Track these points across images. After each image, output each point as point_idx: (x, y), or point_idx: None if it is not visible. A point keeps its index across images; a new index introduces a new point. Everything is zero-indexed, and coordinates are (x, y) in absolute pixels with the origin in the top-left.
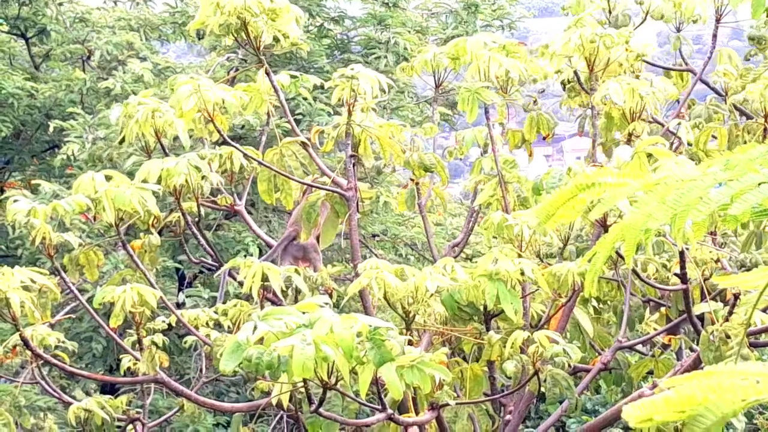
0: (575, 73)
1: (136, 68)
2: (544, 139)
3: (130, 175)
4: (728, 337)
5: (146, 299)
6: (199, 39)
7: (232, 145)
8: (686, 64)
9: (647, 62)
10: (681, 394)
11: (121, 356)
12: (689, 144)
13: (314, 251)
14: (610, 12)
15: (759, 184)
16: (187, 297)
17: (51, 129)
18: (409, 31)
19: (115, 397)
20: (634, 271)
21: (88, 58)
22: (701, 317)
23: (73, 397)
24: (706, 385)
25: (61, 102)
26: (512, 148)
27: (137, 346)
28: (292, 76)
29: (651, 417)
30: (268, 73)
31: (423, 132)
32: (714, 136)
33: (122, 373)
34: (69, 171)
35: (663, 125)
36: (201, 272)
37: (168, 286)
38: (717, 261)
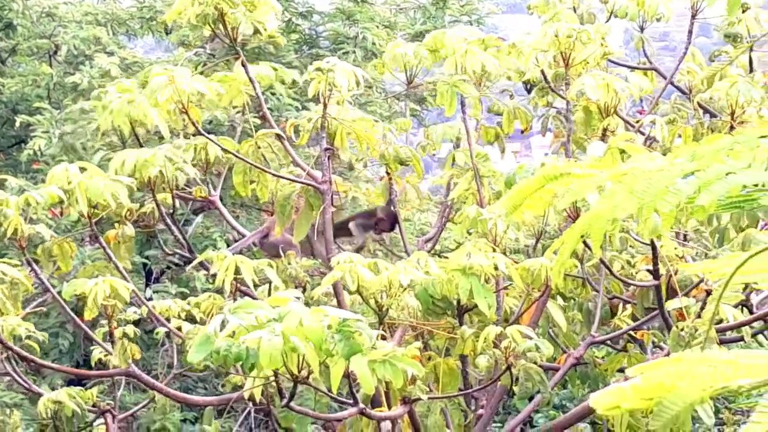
0: (542, 72)
1: (104, 63)
2: (522, 132)
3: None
4: (698, 332)
5: (119, 292)
6: (167, 34)
7: (208, 138)
8: (650, 62)
9: (612, 61)
10: (649, 382)
11: (92, 348)
12: (662, 141)
13: (290, 247)
14: (575, 10)
15: (726, 174)
16: (154, 292)
17: (17, 124)
18: (378, 27)
19: (86, 390)
20: (605, 266)
21: (55, 52)
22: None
23: (40, 393)
24: (674, 372)
25: (28, 97)
26: (486, 142)
27: (108, 338)
28: (273, 68)
29: (619, 405)
30: (244, 65)
31: (396, 126)
32: (680, 135)
33: (93, 365)
34: (35, 166)
35: (631, 123)
36: (168, 267)
37: (135, 282)
38: (681, 257)
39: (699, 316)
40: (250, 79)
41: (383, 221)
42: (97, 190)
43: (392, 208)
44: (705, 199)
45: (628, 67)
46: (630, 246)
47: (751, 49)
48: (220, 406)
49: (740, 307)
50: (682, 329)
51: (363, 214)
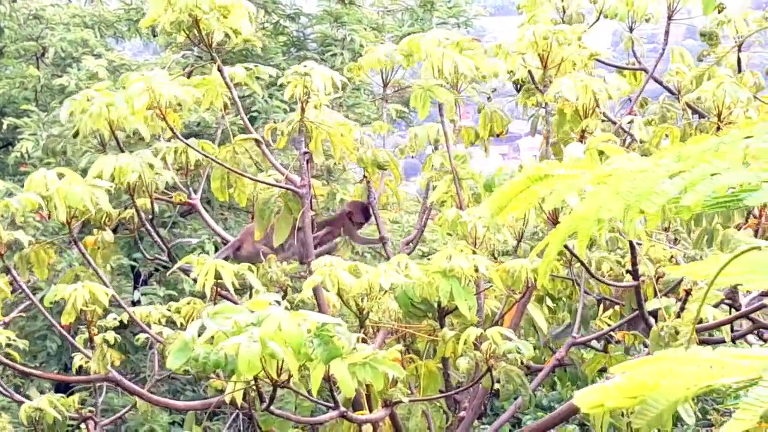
0: (529, 72)
1: (91, 65)
2: (498, 136)
3: (85, 172)
4: (678, 333)
5: (97, 297)
6: (154, 36)
7: (185, 143)
8: (639, 63)
9: (600, 61)
10: (632, 380)
11: (73, 354)
12: (641, 141)
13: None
14: (564, 11)
15: (711, 174)
16: (142, 295)
17: (5, 126)
18: (365, 29)
19: (68, 396)
20: (586, 269)
21: (42, 55)
22: (654, 314)
23: (27, 397)
24: (657, 371)
25: (15, 99)
26: (467, 145)
27: (89, 344)
28: (247, 68)
29: (602, 403)
30: (220, 70)
31: (373, 129)
32: (667, 135)
33: (74, 371)
34: (23, 169)
35: (615, 123)
36: (156, 270)
37: (123, 285)
38: (671, 258)
39: (679, 316)
40: (227, 84)
41: (354, 214)
42: (75, 196)
43: (368, 200)
44: (690, 200)
45: (617, 67)
46: (619, 247)
47: (739, 50)
48: (204, 410)
49: (729, 308)
50: (662, 329)
51: (329, 221)
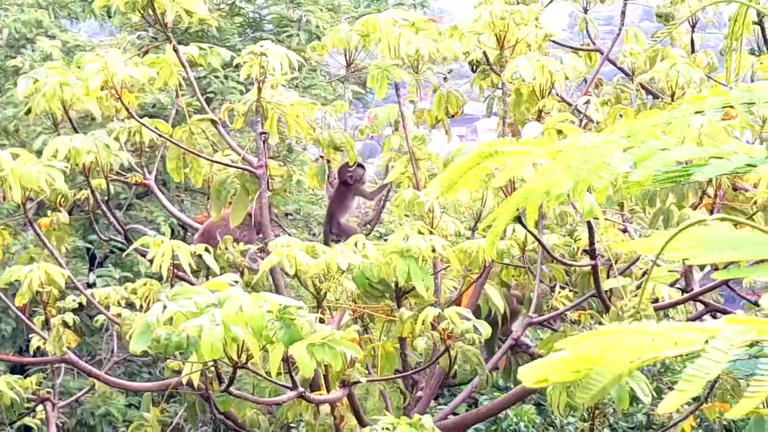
0: (484, 53)
1: (45, 46)
2: (453, 116)
3: (39, 154)
4: (638, 312)
5: (54, 278)
6: (110, 17)
7: (140, 122)
8: (593, 44)
9: (555, 42)
10: (577, 353)
11: (30, 336)
12: (598, 122)
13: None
14: None
15: (661, 149)
16: (98, 277)
17: None
18: (321, 10)
19: (25, 378)
20: (543, 246)
21: None
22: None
23: None
24: (602, 344)
25: None
26: (430, 126)
27: (46, 326)
28: (201, 48)
29: (547, 377)
30: (175, 49)
31: (333, 109)
32: (621, 116)
33: (32, 353)
34: None
35: (570, 104)
36: (112, 252)
37: (78, 267)
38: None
39: (636, 295)
40: (182, 63)
41: (345, 176)
42: (30, 176)
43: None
44: (639, 175)
45: (572, 48)
46: (570, 225)
47: (693, 30)
48: (161, 391)
49: (681, 291)
50: (620, 308)
51: (336, 198)
